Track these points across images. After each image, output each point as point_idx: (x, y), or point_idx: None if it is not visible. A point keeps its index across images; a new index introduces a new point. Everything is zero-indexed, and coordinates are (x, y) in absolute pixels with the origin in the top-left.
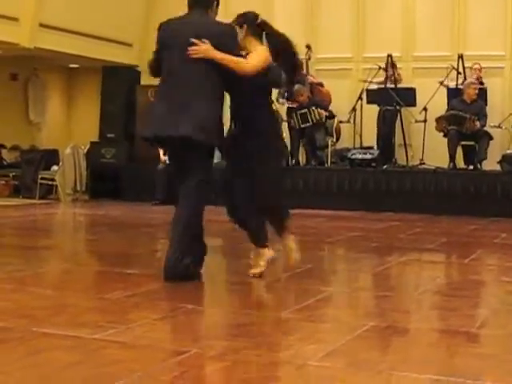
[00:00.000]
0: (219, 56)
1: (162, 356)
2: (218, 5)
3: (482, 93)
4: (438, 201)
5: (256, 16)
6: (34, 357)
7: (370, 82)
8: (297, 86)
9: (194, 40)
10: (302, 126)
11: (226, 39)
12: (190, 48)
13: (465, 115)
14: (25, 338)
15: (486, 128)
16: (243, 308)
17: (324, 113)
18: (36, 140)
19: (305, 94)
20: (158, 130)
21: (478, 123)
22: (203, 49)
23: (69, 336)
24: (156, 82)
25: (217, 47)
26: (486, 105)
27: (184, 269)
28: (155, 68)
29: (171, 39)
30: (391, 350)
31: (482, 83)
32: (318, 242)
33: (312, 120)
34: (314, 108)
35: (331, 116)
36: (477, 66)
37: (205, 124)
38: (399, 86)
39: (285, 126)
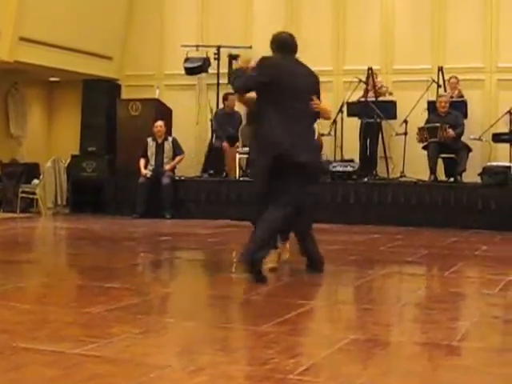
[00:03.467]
0: (324, 108)
1: (142, 370)
2: None
3: (462, 105)
4: (419, 213)
5: None
6: (13, 372)
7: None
8: None
9: (315, 100)
10: None
11: (319, 87)
12: (314, 103)
13: (436, 125)
14: (5, 353)
15: (465, 140)
16: (223, 322)
17: None
18: (17, 153)
19: None
20: (284, 154)
21: (450, 130)
22: (321, 105)
23: (49, 351)
24: (135, 95)
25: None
26: (466, 117)
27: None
28: (250, 87)
29: (286, 80)
30: (372, 363)
31: (461, 96)
32: (299, 256)
33: None
34: None
35: None
36: (453, 80)
37: (317, 154)
38: (382, 98)
39: None
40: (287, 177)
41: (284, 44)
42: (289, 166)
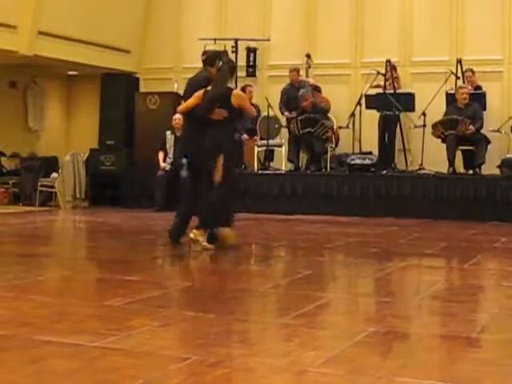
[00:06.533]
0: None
1: (162, 363)
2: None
3: (480, 97)
4: (438, 205)
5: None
6: (34, 365)
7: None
8: (301, 91)
9: None
10: (302, 131)
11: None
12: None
13: (458, 118)
14: (25, 346)
15: (484, 132)
16: (242, 314)
17: (331, 136)
18: (35, 147)
19: (309, 99)
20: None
21: (471, 126)
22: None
23: (69, 343)
24: (153, 88)
25: None
26: (485, 109)
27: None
28: None
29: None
30: (391, 355)
31: (479, 87)
32: (317, 248)
33: (315, 132)
34: (326, 126)
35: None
36: (468, 74)
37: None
38: (401, 91)
39: (285, 132)
40: None
41: None
42: None
